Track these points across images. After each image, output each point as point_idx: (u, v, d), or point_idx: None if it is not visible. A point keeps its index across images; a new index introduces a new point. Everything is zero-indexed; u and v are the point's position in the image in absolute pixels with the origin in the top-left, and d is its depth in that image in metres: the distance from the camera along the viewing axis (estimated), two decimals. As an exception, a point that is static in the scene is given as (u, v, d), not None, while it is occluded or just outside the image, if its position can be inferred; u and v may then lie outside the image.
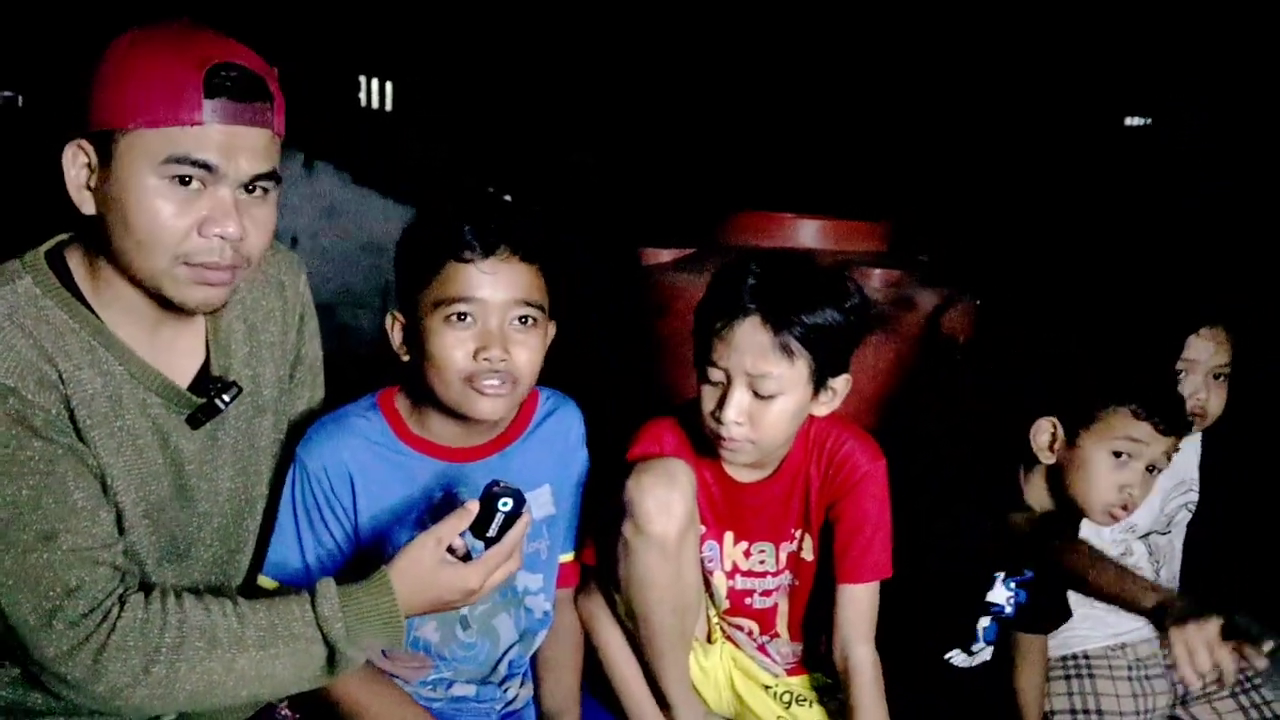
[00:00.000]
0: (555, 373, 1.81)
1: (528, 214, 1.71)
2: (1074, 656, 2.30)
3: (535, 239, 1.69)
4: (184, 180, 1.41)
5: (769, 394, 1.70)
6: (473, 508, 1.52)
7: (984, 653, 2.11)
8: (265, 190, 1.49)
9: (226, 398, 1.61)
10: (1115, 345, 2.05)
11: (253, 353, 1.71)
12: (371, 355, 1.93)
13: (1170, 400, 1.89)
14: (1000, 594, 2.06)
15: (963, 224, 5.72)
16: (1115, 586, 1.72)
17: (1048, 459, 1.95)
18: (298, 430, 1.79)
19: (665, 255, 2.95)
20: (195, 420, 1.60)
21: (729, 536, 1.90)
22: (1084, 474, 1.91)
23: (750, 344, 1.70)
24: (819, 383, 1.74)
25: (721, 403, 1.73)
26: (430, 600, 1.54)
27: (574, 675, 1.94)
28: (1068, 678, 2.27)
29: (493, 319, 1.65)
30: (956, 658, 2.09)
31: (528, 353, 1.68)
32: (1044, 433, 1.94)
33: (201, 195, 1.43)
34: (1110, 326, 2.18)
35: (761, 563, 1.92)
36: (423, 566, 1.51)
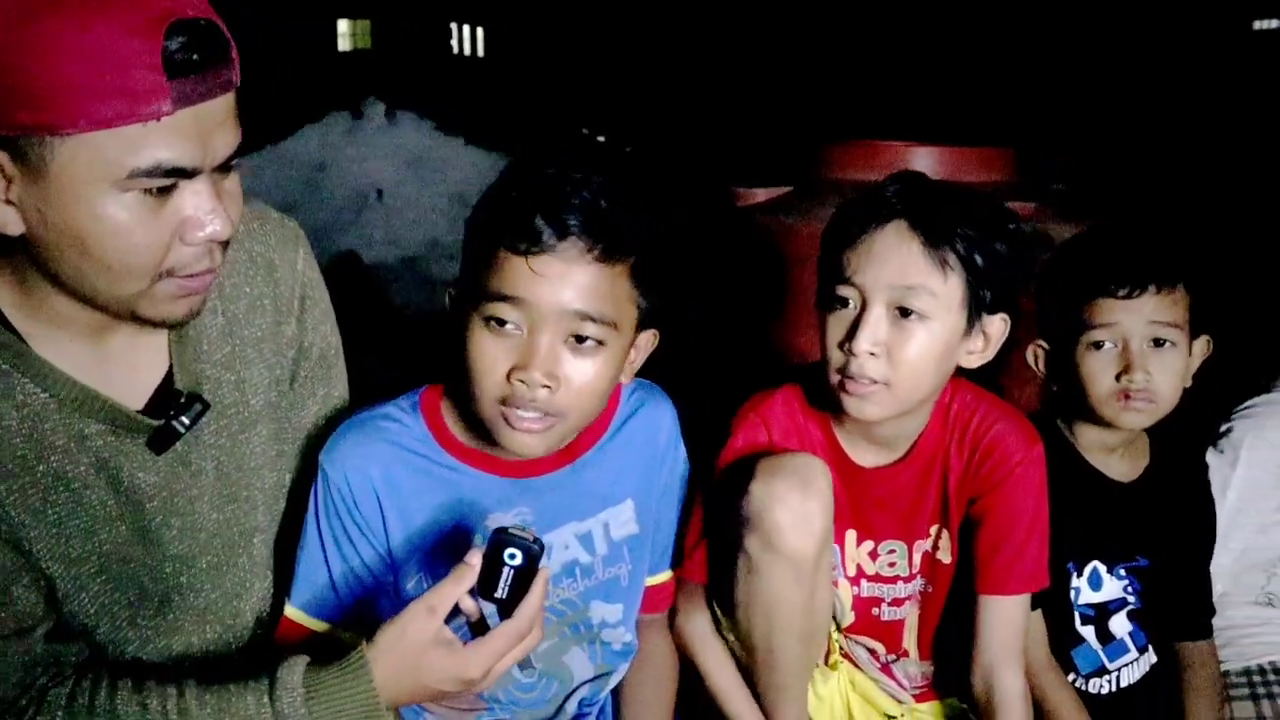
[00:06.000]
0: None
1: (625, 195, 1.34)
2: (1260, 671, 1.89)
3: (628, 230, 1.34)
4: (157, 190, 1.13)
5: (915, 313, 1.41)
6: (474, 563, 1.22)
7: (1130, 670, 1.78)
8: (233, 163, 1.20)
9: (186, 419, 1.33)
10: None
11: (235, 353, 1.42)
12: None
13: (1105, 261, 1.69)
14: (1111, 588, 1.76)
15: (1100, 147, 5.22)
16: None
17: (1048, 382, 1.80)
18: (318, 438, 1.51)
19: (759, 195, 2.72)
20: (156, 445, 1.32)
21: (850, 535, 1.61)
22: (1079, 377, 1.70)
23: (895, 251, 1.42)
24: (972, 316, 1.45)
25: (853, 331, 1.42)
26: (419, 688, 1.26)
27: (665, 715, 1.64)
28: (1254, 698, 1.87)
29: (541, 333, 1.32)
30: (1093, 683, 1.77)
31: (582, 380, 1.35)
32: (1031, 355, 1.79)
33: (176, 194, 1.15)
34: None
35: (891, 565, 1.62)
36: (410, 644, 1.24)
